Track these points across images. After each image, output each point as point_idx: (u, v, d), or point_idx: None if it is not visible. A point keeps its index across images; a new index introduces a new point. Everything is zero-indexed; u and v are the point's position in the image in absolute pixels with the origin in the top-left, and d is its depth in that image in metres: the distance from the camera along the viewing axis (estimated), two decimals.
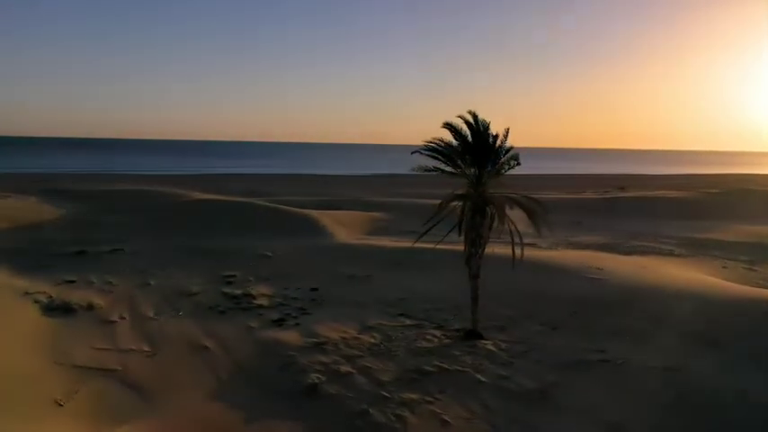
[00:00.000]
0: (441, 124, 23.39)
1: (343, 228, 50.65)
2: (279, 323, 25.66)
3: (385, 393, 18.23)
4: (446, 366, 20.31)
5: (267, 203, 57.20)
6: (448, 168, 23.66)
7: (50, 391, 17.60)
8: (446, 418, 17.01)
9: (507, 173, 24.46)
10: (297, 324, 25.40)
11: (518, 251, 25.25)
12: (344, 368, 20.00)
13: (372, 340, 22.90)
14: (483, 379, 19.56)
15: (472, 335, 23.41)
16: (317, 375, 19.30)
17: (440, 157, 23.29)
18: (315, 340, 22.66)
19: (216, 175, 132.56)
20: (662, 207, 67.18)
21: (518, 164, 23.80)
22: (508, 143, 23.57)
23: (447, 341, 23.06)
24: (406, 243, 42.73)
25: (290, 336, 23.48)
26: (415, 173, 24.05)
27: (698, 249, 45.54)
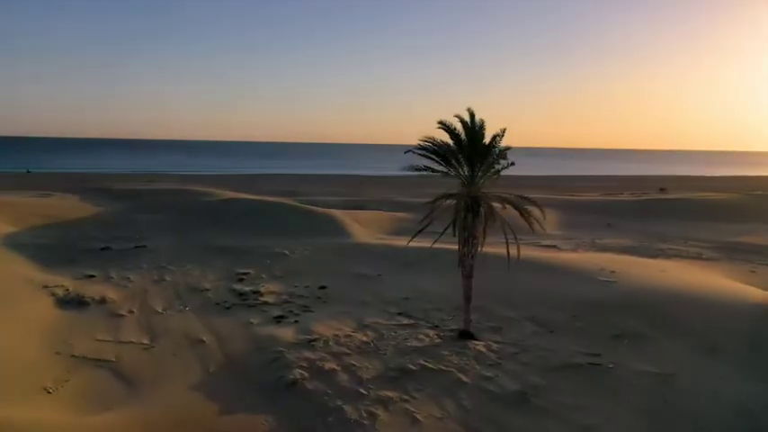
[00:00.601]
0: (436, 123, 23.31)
1: (364, 228, 51.02)
2: (279, 320, 26.15)
3: (363, 391, 18.41)
4: (430, 366, 20.34)
5: (292, 203, 58.13)
6: (440, 168, 23.61)
7: (42, 379, 18.51)
8: (418, 416, 17.08)
9: (504, 173, 24.23)
10: (296, 321, 25.83)
11: (516, 251, 24.63)
12: (329, 365, 20.27)
13: (364, 338, 23.10)
14: (465, 379, 19.52)
15: (464, 335, 23.33)
16: (301, 371, 19.63)
17: (433, 156, 23.27)
18: (307, 337, 23.02)
19: (255, 175, 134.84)
20: (697, 209, 64.97)
21: (512, 164, 23.55)
22: (504, 143, 23.40)
23: (438, 341, 23.06)
24: (423, 243, 42.85)
25: (286, 332, 23.92)
26: (406, 173, 24.04)
27: (728, 253, 43.97)
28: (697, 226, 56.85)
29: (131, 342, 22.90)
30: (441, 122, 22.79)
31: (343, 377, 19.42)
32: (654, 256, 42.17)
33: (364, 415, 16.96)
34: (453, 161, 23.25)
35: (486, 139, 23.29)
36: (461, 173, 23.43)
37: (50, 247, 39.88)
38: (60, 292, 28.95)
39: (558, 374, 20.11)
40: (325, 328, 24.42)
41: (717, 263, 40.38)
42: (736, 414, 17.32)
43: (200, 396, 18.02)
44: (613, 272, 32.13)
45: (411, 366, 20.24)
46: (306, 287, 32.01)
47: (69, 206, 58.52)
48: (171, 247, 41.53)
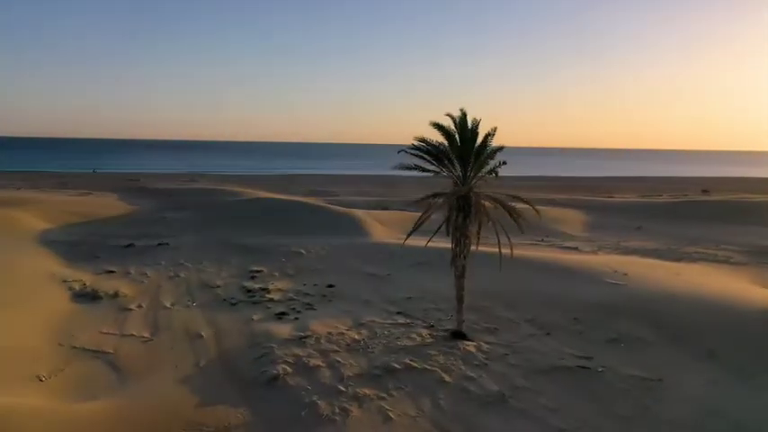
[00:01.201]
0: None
1: (385, 227, 51.20)
2: (280, 316, 26.61)
3: (341, 388, 18.62)
4: (415, 365, 20.40)
5: (315, 203, 58.80)
6: (432, 167, 23.59)
7: (37, 368, 19.42)
8: (391, 414, 17.19)
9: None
10: (296, 318, 26.23)
11: (510, 251, 24.41)
12: (314, 361, 20.56)
13: (356, 337, 23.30)
14: (448, 379, 19.50)
15: (457, 335, 23.28)
16: (285, 367, 19.98)
17: (425, 156, 23.28)
18: (301, 334, 23.37)
19: (293, 176, 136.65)
20: (735, 212, 62.55)
21: (503, 163, 23.34)
22: (496, 143, 23.25)
23: (430, 340, 23.07)
24: (440, 243, 42.78)
25: (282, 329, 24.33)
26: (396, 172, 24.10)
27: (759, 257, 42.22)
28: (732, 229, 54.79)
29: (132, 335, 23.72)
30: (433, 122, 22.80)
31: (326, 374, 19.68)
32: (678, 259, 40.95)
33: (337, 411, 17.18)
34: (445, 161, 23.17)
35: (481, 140, 23.16)
36: (454, 172, 23.34)
37: (78, 244, 41.57)
38: (77, 287, 30.20)
39: (544, 377, 19.88)
40: (321, 325, 24.72)
41: (744, 267, 38.88)
42: (723, 423, 16.78)
43: (185, 388, 18.55)
44: (625, 274, 31.41)
45: (395, 365, 20.34)
46: (314, 285, 32.44)
47: (104, 204, 60.70)
48: (192, 245, 42.64)
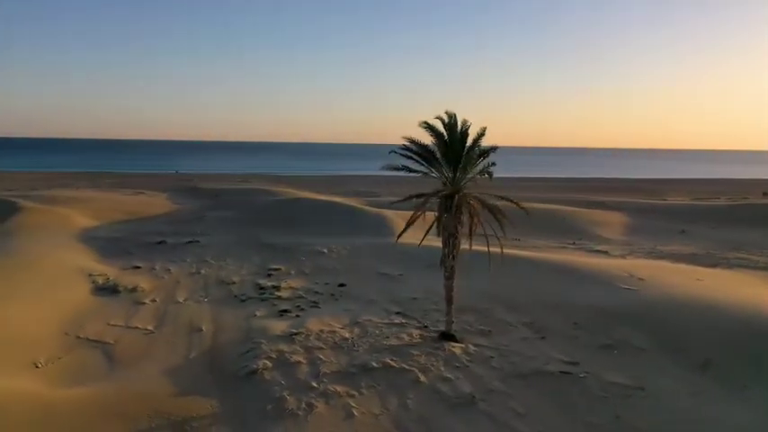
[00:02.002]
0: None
1: (413, 228, 51.10)
2: (282, 314, 27.23)
3: (314, 384, 18.98)
4: (393, 364, 20.52)
5: (349, 204, 59.44)
6: (422, 168, 23.59)
7: (36, 355, 20.73)
8: (355, 411, 17.40)
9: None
10: (297, 316, 26.79)
11: (500, 252, 24.11)
12: (296, 358, 21.02)
13: (347, 335, 23.60)
14: (422, 379, 19.54)
15: (445, 336, 23.21)
16: (266, 362, 20.52)
17: (415, 156, 23.33)
18: (293, 331, 23.87)
19: (346, 177, 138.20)
20: None
21: (493, 164, 23.08)
22: (486, 144, 23.02)
23: (418, 341, 23.11)
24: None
25: (279, 325, 24.91)
26: (385, 172, 24.20)
27: None
28: None
29: (137, 327, 24.87)
30: (422, 122, 22.81)
31: (304, 370, 20.09)
32: (713, 264, 39.17)
33: (303, 406, 17.54)
34: (434, 161, 23.14)
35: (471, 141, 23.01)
36: (443, 173, 23.27)
37: (115, 240, 43.73)
38: (100, 281, 31.87)
39: (522, 381, 19.60)
40: (317, 323, 25.17)
41: None
42: None
43: (167, 379, 19.37)
44: (641, 279, 30.31)
45: (373, 364, 20.52)
46: (326, 284, 32.96)
47: (151, 203, 63.49)
48: (221, 243, 44.08)
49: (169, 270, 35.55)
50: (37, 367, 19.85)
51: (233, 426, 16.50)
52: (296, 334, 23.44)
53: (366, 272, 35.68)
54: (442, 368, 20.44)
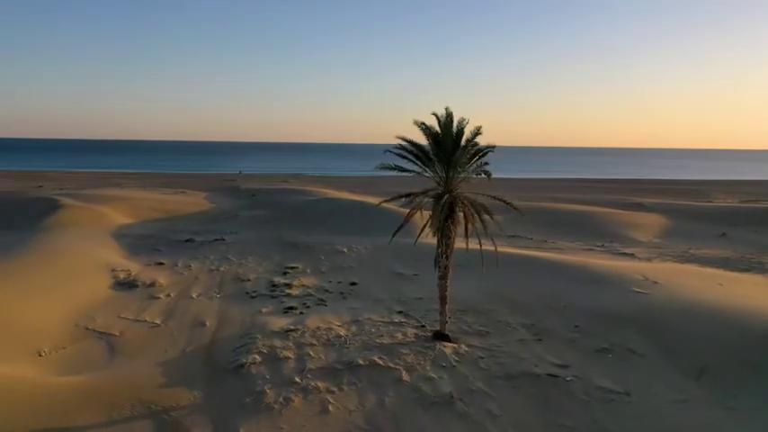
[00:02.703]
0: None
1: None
2: (287, 311, 27.70)
3: (297, 379, 19.30)
4: (380, 362, 20.65)
5: (374, 203, 59.66)
6: (415, 168, 23.56)
7: (42, 344, 21.80)
8: (330, 407, 17.62)
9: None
10: (301, 313, 27.22)
11: (495, 251, 23.83)
12: (286, 353, 21.40)
13: (342, 332, 23.84)
14: (405, 378, 19.60)
15: (438, 336, 23.16)
16: (256, 356, 20.98)
17: (409, 155, 23.33)
18: (291, 327, 24.29)
19: (382, 177, 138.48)
20: None
21: (485, 164, 22.85)
22: (482, 143, 22.78)
23: (411, 340, 23.14)
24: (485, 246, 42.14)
25: (280, 322, 25.38)
26: (378, 172, 24.27)
27: None
28: None
29: (145, 321, 25.79)
30: (416, 121, 22.81)
31: (291, 365, 20.45)
32: (746, 269, 37.64)
33: (280, 400, 17.88)
34: (428, 161, 23.09)
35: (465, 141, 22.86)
36: (437, 172, 23.19)
37: (146, 237, 45.30)
38: (122, 275, 33.16)
39: (507, 382, 19.42)
40: (317, 320, 25.52)
41: None
42: None
43: (158, 370, 20.05)
44: (656, 283, 29.37)
45: (360, 361, 20.70)
46: (338, 283, 33.33)
47: (188, 203, 65.37)
48: (246, 241, 45.09)
49: (190, 267, 36.62)
50: (41, 355, 20.91)
51: (209, 416, 16.99)
52: (292, 330, 23.84)
53: (381, 271, 35.86)
54: (428, 367, 20.43)
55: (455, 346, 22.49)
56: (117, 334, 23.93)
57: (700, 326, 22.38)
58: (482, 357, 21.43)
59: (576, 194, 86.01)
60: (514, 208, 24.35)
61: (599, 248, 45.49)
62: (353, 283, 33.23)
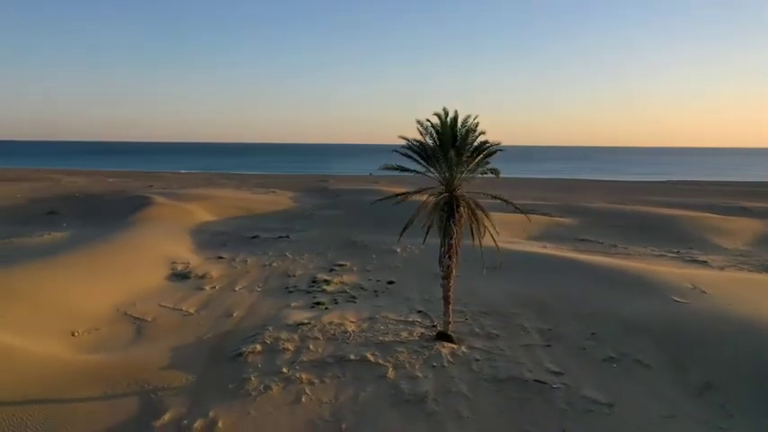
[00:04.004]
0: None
1: (502, 230, 49.88)
2: (313, 306, 28.65)
3: (284, 369, 20.07)
4: (371, 358, 20.96)
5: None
6: (418, 167, 23.46)
7: (78, 326, 24.18)
8: (304, 398, 18.21)
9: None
10: (326, 309, 28.05)
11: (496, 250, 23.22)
12: (287, 345, 22.25)
13: (351, 328, 24.33)
14: (390, 375, 19.79)
15: (441, 337, 23.02)
16: (257, 346, 22.01)
17: (413, 155, 23.33)
18: (305, 321, 25.14)
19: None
20: None
21: (487, 162, 22.34)
22: (487, 142, 22.33)
23: (414, 339, 23.19)
24: (536, 248, 40.95)
25: (299, 316, 26.33)
26: (382, 172, 24.35)
27: None
28: None
29: (180, 309, 27.75)
30: (419, 120, 22.80)
31: (286, 356, 21.27)
32: None
33: (260, 388, 18.73)
34: (431, 160, 22.97)
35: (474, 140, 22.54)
36: (440, 172, 23.00)
37: (219, 234, 48.30)
38: (179, 267, 35.76)
39: (491, 386, 19.07)
40: (335, 316, 26.19)
41: None
42: None
43: (168, 354, 21.62)
44: (704, 292, 27.14)
45: (352, 356, 21.12)
46: (377, 281, 33.90)
47: (271, 202, 68.58)
48: (309, 239, 46.76)
49: (246, 261, 38.69)
50: (73, 335, 23.27)
51: (190, 398, 18.18)
52: (304, 324, 24.68)
53: (422, 272, 35.89)
54: (417, 366, 20.45)
55: (455, 347, 22.28)
56: (149, 320, 26.00)
57: (718, 340, 20.59)
58: (478, 360, 21.08)
59: (671, 197, 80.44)
60: (516, 208, 23.71)
61: (672, 255, 42.47)
62: (391, 282, 33.63)
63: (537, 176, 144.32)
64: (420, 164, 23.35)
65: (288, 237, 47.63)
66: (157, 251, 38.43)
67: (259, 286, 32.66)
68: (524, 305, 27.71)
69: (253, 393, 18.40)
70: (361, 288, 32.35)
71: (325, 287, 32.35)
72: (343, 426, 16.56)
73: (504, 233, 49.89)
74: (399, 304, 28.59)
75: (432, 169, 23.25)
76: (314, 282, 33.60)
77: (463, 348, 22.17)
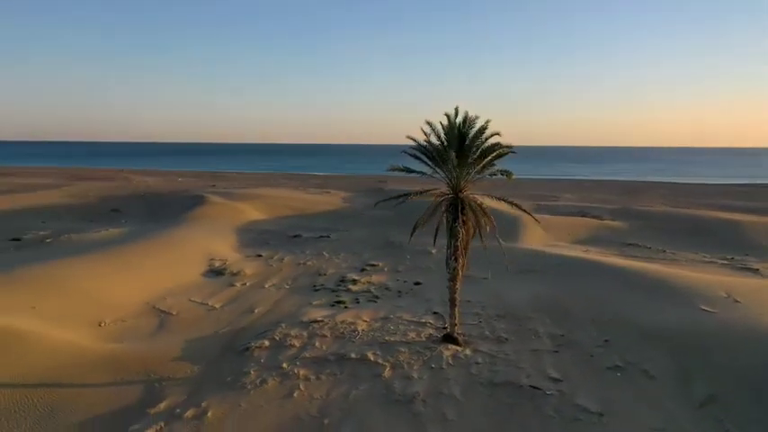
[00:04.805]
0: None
1: (546, 233, 48.94)
2: (333, 304, 29.15)
3: (285, 365, 20.59)
4: (371, 358, 21.16)
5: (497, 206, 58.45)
6: (425, 169, 23.36)
7: (106, 316, 25.64)
8: (296, 393, 18.63)
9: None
10: (345, 307, 28.49)
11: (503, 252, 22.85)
12: (294, 341, 22.80)
13: (361, 327, 24.60)
14: (386, 375, 19.95)
15: (447, 339, 22.91)
16: (265, 341, 22.67)
17: (422, 156, 23.27)
18: (318, 319, 25.60)
19: (524, 180, 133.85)
20: None
21: (493, 165, 21.98)
22: (496, 143, 22.04)
23: (420, 340, 23.21)
24: (575, 252, 39.80)
25: (316, 313, 26.85)
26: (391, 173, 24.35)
27: None
28: None
29: (206, 304, 28.90)
30: (428, 122, 22.73)
31: (290, 352, 21.81)
32: None
33: (257, 382, 19.32)
34: (438, 161, 22.85)
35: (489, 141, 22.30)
36: (448, 172, 22.83)
37: (264, 232, 49.74)
38: (216, 264, 37.15)
39: (485, 390, 18.91)
40: (350, 315, 26.58)
41: None
42: None
43: (181, 345, 22.60)
44: (737, 301, 25.67)
45: (353, 355, 21.40)
46: (404, 282, 34.06)
47: (322, 202, 69.74)
48: (349, 239, 47.44)
49: (282, 260, 39.70)
50: (100, 325, 24.73)
51: (190, 388, 19.00)
52: (317, 322, 25.17)
53: None
54: (415, 368, 20.48)
55: (459, 349, 22.14)
56: (174, 313, 27.24)
57: (733, 351, 19.49)
58: (478, 363, 20.88)
59: (743, 201, 75.91)
60: (522, 209, 23.23)
61: (723, 262, 40.24)
62: (417, 283, 33.70)
63: (605, 178, 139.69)
64: (428, 165, 23.27)
65: (329, 236, 48.46)
66: (199, 248, 40.04)
67: (288, 284, 33.49)
68: (544, 309, 27.11)
69: (248, 387, 19.00)
70: (386, 288, 32.60)
71: (350, 286, 32.81)
72: (326, 422, 16.87)
73: (550, 236, 48.95)
74: (418, 305, 28.64)
75: (438, 170, 23.13)
76: (342, 281, 34.12)
77: (467, 351, 21.99)
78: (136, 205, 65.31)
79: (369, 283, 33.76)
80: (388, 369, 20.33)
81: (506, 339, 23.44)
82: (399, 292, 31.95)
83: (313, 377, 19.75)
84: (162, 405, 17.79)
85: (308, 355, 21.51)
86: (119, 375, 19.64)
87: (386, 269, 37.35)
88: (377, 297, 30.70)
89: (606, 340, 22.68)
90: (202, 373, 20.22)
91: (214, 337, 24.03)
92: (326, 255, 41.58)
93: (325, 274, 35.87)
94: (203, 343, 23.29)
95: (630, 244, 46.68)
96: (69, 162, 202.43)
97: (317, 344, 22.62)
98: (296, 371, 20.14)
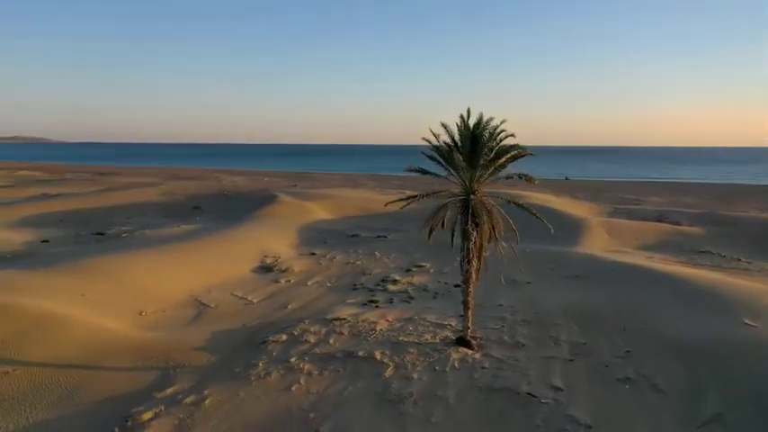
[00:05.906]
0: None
1: (610, 238, 46.89)
2: (367, 303, 29.66)
3: (294, 359, 21.28)
4: (377, 357, 21.41)
5: (548, 205, 56.69)
6: (439, 170, 23.19)
7: (146, 306, 27.49)
8: (295, 386, 19.24)
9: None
10: (376, 307, 28.92)
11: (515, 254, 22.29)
12: (310, 337, 23.47)
13: (381, 327, 24.87)
14: (387, 374, 20.17)
15: (459, 342, 22.72)
16: (283, 336, 23.53)
17: (437, 158, 23.16)
18: (342, 317, 26.12)
19: (613, 183, 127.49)
20: None
21: (504, 167, 21.48)
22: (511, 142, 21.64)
23: (433, 342, 23.15)
24: (634, 258, 37.89)
25: (345, 311, 27.43)
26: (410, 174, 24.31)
27: None
28: None
29: (245, 299, 30.26)
30: (443, 123, 22.62)
31: (303, 347, 22.49)
32: None
33: (261, 374, 20.12)
34: (451, 163, 22.67)
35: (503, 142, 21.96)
36: (460, 174, 22.61)
37: (325, 231, 51.05)
38: (268, 261, 38.70)
39: (481, 395, 18.71)
40: (377, 314, 26.94)
41: None
42: None
43: (204, 337, 23.84)
44: None
45: (360, 353, 21.73)
46: (445, 284, 33.98)
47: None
48: (405, 240, 47.63)
49: (333, 258, 40.67)
50: (140, 315, 26.61)
51: (200, 375, 20.13)
52: (339, 320, 25.72)
53: (497, 276, 35.08)
54: (419, 369, 20.53)
55: (469, 352, 21.90)
56: (212, 306, 28.77)
57: (758, 369, 17.90)
58: (484, 368, 20.58)
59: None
60: (531, 213, 22.55)
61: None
62: (458, 285, 33.36)
63: (703, 181, 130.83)
64: (442, 166, 23.20)
65: (386, 237, 48.98)
66: (255, 245, 41.85)
67: (330, 282, 34.32)
68: (574, 316, 26.16)
69: (252, 378, 19.86)
70: (424, 289, 32.67)
71: (389, 286, 33.16)
72: (312, 416, 17.34)
73: (614, 241, 46.87)
74: (449, 307, 28.49)
75: (452, 172, 22.98)
76: (382, 281, 34.52)
77: (477, 355, 21.72)
78: (217, 203, 68.89)
79: (409, 283, 33.95)
80: (390, 368, 20.52)
81: (523, 345, 22.90)
82: (436, 293, 31.92)
83: (316, 372, 20.30)
84: (169, 390, 19.01)
85: (318, 351, 22.11)
86: (140, 361, 21.15)
87: (431, 270, 37.34)
88: (411, 298, 30.87)
89: (628, 351, 21.61)
90: (216, 363, 21.33)
91: (240, 330, 25.19)
92: (378, 254, 42.11)
93: (369, 274, 36.40)
94: (228, 335, 24.49)
95: (703, 251, 43.68)
96: (184, 162, 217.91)
97: (330, 341, 23.17)
98: (301, 365, 20.79)
